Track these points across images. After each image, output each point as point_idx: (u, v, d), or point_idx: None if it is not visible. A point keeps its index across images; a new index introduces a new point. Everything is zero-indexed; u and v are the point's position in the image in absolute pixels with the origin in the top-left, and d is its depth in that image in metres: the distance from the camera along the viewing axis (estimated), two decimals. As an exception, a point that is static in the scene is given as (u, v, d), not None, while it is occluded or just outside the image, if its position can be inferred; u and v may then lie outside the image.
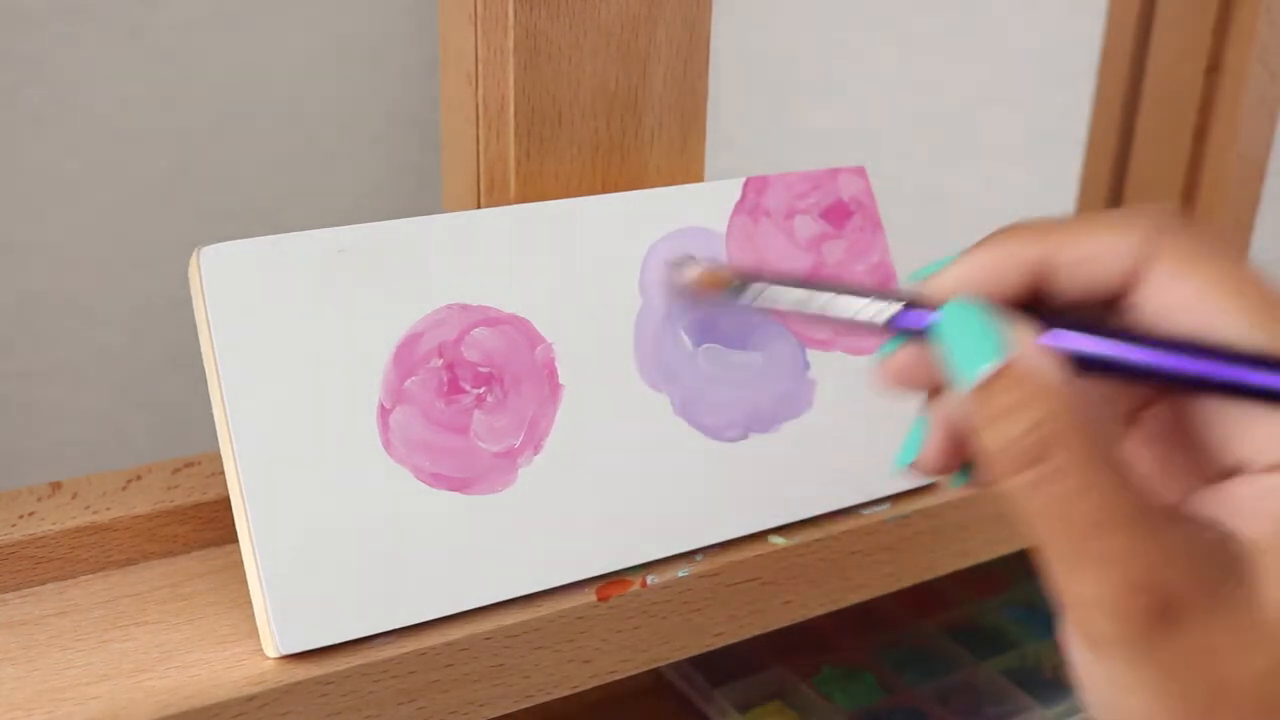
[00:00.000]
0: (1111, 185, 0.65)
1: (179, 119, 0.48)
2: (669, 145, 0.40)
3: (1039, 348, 0.27)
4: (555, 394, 0.36)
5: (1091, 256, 0.28)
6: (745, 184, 0.40)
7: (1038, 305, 0.28)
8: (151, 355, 0.50)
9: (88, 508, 0.36)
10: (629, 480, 0.36)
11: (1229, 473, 0.27)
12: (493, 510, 0.34)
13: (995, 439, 0.26)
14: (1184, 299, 0.27)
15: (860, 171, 0.42)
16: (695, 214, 0.39)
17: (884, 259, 0.42)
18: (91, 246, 0.48)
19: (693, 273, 0.37)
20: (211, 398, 0.32)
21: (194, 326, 0.33)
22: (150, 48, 0.46)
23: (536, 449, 0.35)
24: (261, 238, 0.33)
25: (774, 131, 0.64)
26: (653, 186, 0.40)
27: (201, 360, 0.32)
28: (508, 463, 0.35)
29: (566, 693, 0.36)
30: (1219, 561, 0.26)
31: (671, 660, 0.37)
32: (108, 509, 0.36)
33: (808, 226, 0.40)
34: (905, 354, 0.30)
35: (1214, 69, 0.59)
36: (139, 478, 0.38)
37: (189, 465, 0.39)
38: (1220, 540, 0.26)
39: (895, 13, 0.65)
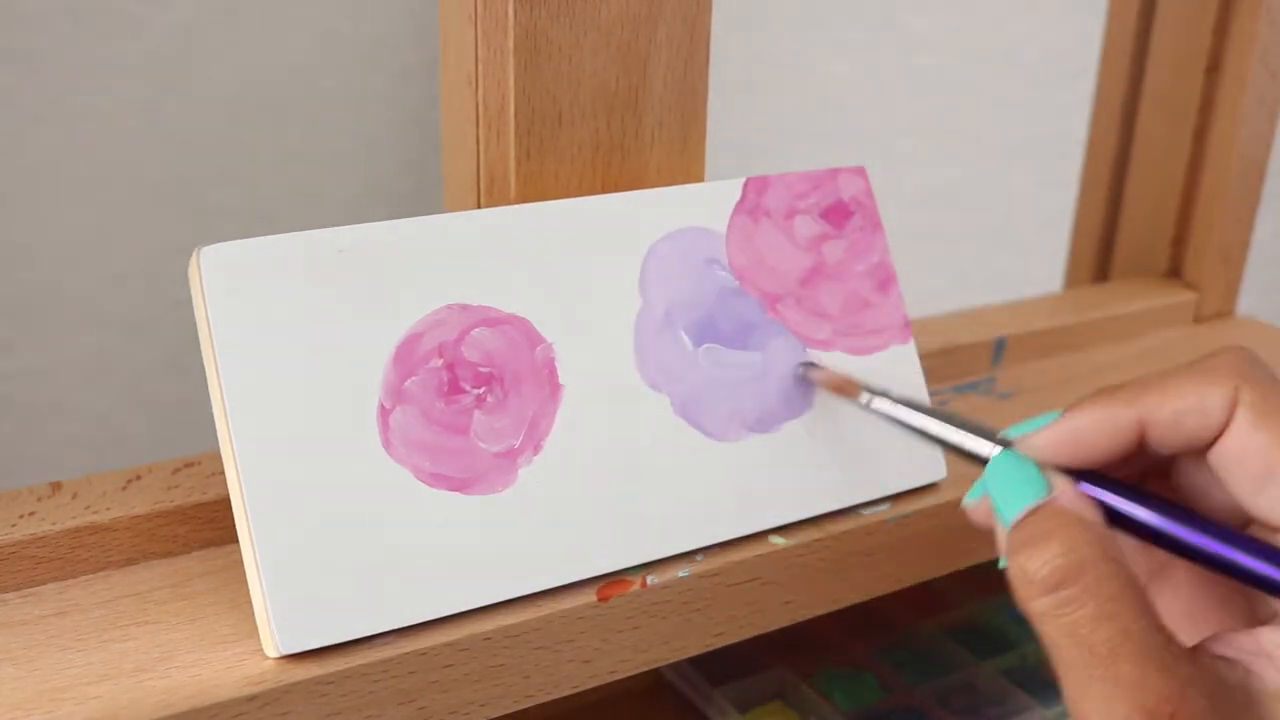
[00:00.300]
0: (1111, 185, 0.65)
1: (179, 119, 0.48)
2: (669, 145, 0.40)
3: (1077, 493, 0.29)
4: (555, 394, 0.36)
5: (1184, 411, 0.30)
6: (745, 184, 0.40)
7: (1132, 462, 0.31)
8: (151, 355, 0.50)
9: (88, 508, 0.36)
10: (629, 480, 0.36)
11: (1260, 620, 0.30)
12: (493, 510, 0.34)
13: (1022, 564, 0.28)
14: (1253, 450, 0.29)
15: (860, 171, 0.42)
16: (695, 214, 0.39)
17: (884, 259, 0.42)
18: (91, 246, 0.48)
19: (823, 377, 0.39)
20: (211, 398, 0.32)
21: (194, 326, 0.33)
22: (150, 48, 0.46)
23: (536, 449, 0.35)
24: (261, 238, 0.33)
25: (774, 131, 0.64)
26: (653, 186, 0.40)
27: (201, 360, 0.32)
28: (508, 463, 0.35)
29: (566, 693, 0.36)
30: (1236, 701, 0.27)
31: (671, 660, 0.37)
32: (108, 509, 0.36)
33: (808, 226, 0.41)
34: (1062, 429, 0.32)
35: (1214, 69, 0.59)
36: (139, 478, 0.38)
37: (189, 465, 0.39)
38: (1240, 681, 0.28)
39: (895, 13, 0.65)
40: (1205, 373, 0.30)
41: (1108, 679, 0.27)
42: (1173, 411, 0.30)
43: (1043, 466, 0.30)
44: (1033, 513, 0.29)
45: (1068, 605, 0.27)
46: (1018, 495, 0.30)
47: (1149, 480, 0.33)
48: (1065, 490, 0.29)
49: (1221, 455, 0.30)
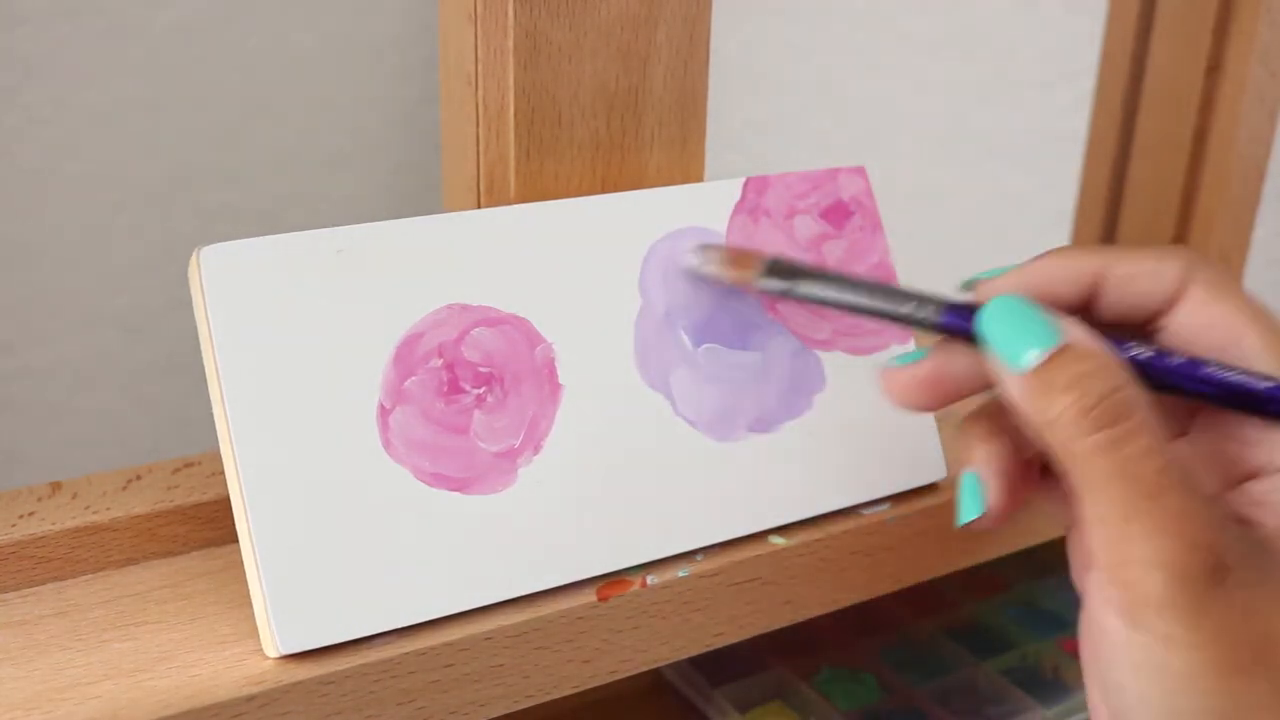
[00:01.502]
0: (1111, 185, 0.64)
1: (179, 119, 0.48)
2: (669, 145, 0.40)
3: (1090, 334, 0.30)
4: (555, 394, 0.36)
5: (1141, 273, 0.31)
6: (745, 184, 0.40)
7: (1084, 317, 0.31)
8: (151, 355, 0.50)
9: (88, 508, 0.36)
10: (629, 480, 0.36)
11: (1244, 477, 0.31)
12: (493, 510, 0.34)
13: (1068, 407, 0.28)
14: (1212, 321, 0.31)
15: (860, 171, 0.42)
16: (695, 214, 0.39)
17: (884, 259, 0.42)
18: (91, 246, 0.48)
19: (720, 254, 0.37)
20: (211, 398, 0.32)
21: (194, 326, 0.33)
22: (150, 48, 0.46)
23: (536, 449, 0.35)
24: (261, 238, 0.33)
25: (774, 131, 0.64)
26: (653, 186, 0.40)
27: (201, 360, 0.32)
28: (508, 463, 0.35)
29: (566, 693, 0.36)
30: (1251, 539, 0.29)
31: (671, 660, 0.37)
32: (108, 509, 0.36)
33: (808, 226, 0.41)
34: (920, 368, 0.33)
35: (1214, 69, 0.59)
36: (139, 478, 0.38)
37: (189, 465, 0.39)
38: (1245, 527, 0.30)
39: (895, 13, 0.65)
40: (1160, 250, 0.32)
41: (1155, 511, 0.27)
42: (1129, 271, 0.31)
43: (1042, 309, 0.30)
44: (1060, 353, 0.29)
45: (1124, 440, 0.28)
46: (1030, 337, 0.29)
47: None
48: (1081, 333, 0.30)
49: (1180, 328, 0.31)
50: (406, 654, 0.32)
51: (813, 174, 0.41)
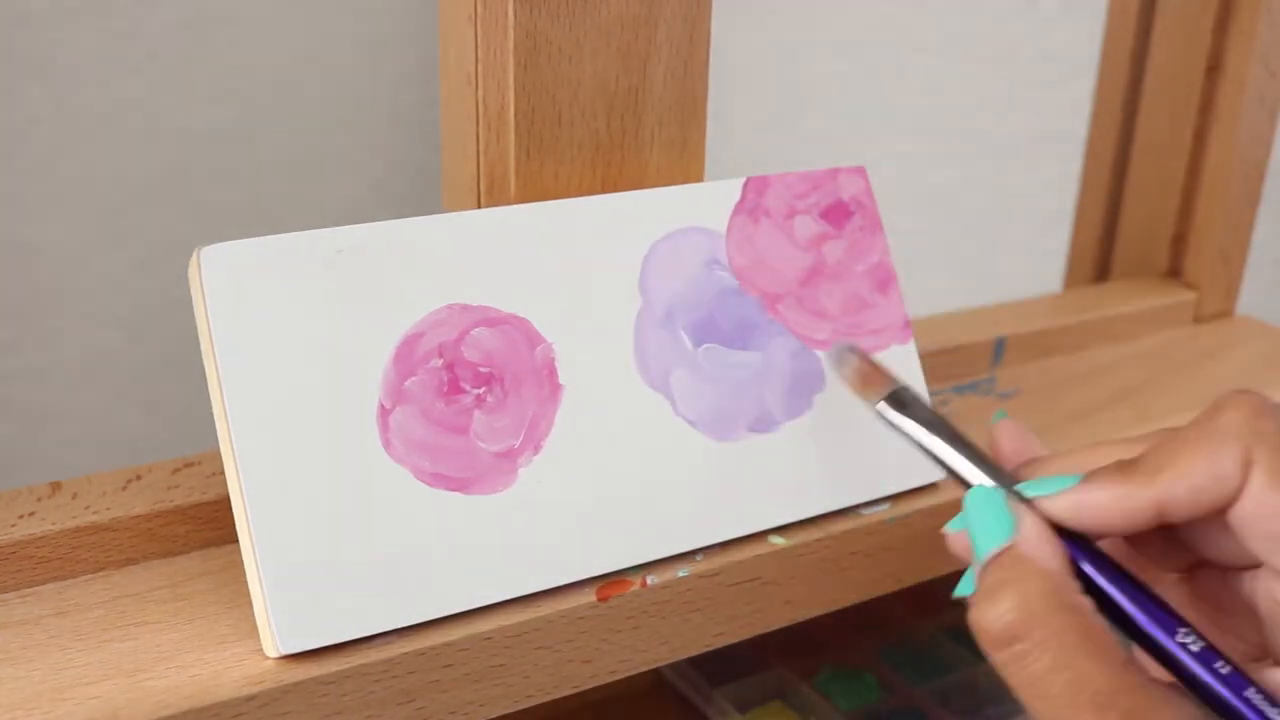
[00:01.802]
0: (1111, 185, 0.65)
1: (179, 119, 0.48)
2: (669, 145, 0.40)
3: (1040, 536, 0.30)
4: (555, 394, 0.36)
5: (1200, 487, 0.29)
6: (745, 184, 0.40)
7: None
8: (151, 355, 0.50)
9: (88, 508, 0.36)
10: (629, 480, 0.36)
11: (1267, 652, 0.30)
12: (493, 510, 0.34)
13: (981, 615, 0.29)
14: (1276, 510, 0.29)
15: (860, 171, 0.42)
16: (695, 214, 0.39)
17: (884, 259, 0.42)
18: (91, 246, 0.48)
19: (855, 366, 0.37)
20: (211, 398, 0.32)
21: (194, 326, 0.33)
22: (150, 48, 0.46)
23: (536, 449, 0.35)
24: (261, 238, 0.33)
25: (774, 131, 0.64)
26: (653, 186, 0.40)
27: (201, 360, 0.32)
28: (508, 463, 0.35)
29: (566, 693, 0.36)
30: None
31: (671, 660, 0.37)
32: (108, 509, 0.36)
33: (808, 226, 0.41)
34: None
35: (1214, 69, 0.59)
36: (139, 478, 0.38)
37: (189, 465, 0.39)
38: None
39: (895, 13, 0.66)
40: (1216, 437, 0.29)
41: None
42: (1188, 488, 0.29)
43: (1013, 503, 0.30)
44: (996, 558, 0.29)
45: (1023, 659, 0.28)
46: (988, 535, 0.30)
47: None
48: (1028, 533, 0.29)
49: (1239, 516, 0.29)
50: (406, 654, 0.32)
51: (813, 174, 0.41)
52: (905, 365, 0.41)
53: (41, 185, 0.46)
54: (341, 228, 0.34)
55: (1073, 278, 0.67)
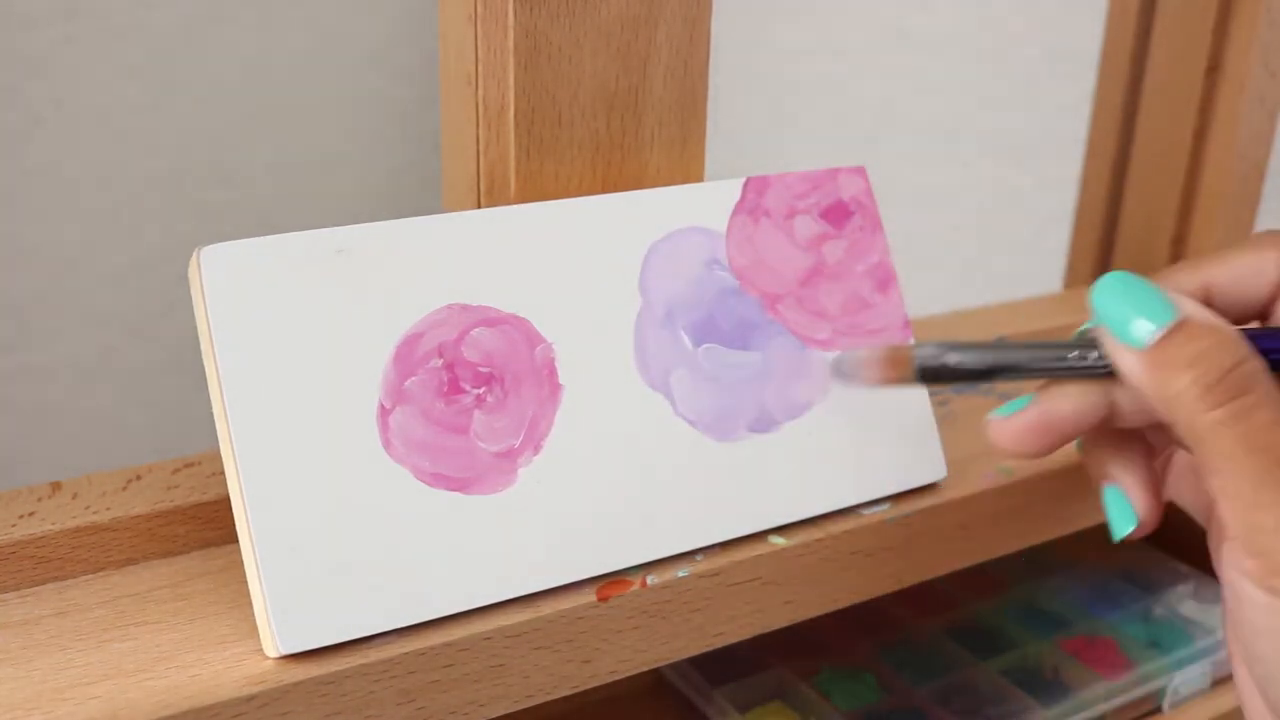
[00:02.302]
0: (1111, 185, 0.64)
1: (179, 119, 0.48)
2: (669, 145, 0.40)
3: (1209, 311, 0.31)
4: (555, 394, 0.36)
5: (1243, 275, 0.33)
6: (745, 184, 0.40)
7: None
8: (151, 355, 0.50)
9: (88, 508, 0.36)
10: (629, 480, 0.36)
11: None
12: (493, 510, 0.34)
13: (1193, 381, 0.29)
14: None
15: (860, 171, 0.42)
16: (695, 214, 0.39)
17: (884, 259, 0.42)
18: (91, 246, 0.48)
19: (870, 354, 0.36)
20: (211, 398, 0.32)
21: (194, 326, 0.33)
22: (150, 48, 0.46)
23: (536, 449, 0.35)
24: (261, 238, 0.33)
25: (774, 131, 0.64)
26: (653, 186, 0.40)
27: (201, 360, 0.32)
28: (508, 463, 0.35)
29: (566, 693, 0.36)
30: None
31: (671, 660, 0.37)
32: (108, 509, 0.36)
33: (808, 226, 0.41)
34: (1027, 415, 0.33)
35: (1214, 69, 0.59)
36: (139, 478, 0.38)
37: (189, 465, 0.39)
38: None
39: (895, 13, 0.66)
40: (1255, 244, 0.33)
41: None
42: (1231, 276, 0.33)
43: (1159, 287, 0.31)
44: (1178, 328, 0.30)
45: (1248, 413, 0.29)
46: (1147, 312, 0.30)
47: None
48: (1197, 309, 0.31)
49: None
50: (406, 654, 0.32)
51: (813, 174, 0.41)
52: (905, 365, 0.41)
53: (41, 185, 0.46)
54: (341, 228, 0.34)
55: (1073, 278, 0.67)
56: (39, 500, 0.37)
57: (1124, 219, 0.64)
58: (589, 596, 0.35)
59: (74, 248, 0.47)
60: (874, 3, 0.65)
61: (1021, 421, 0.33)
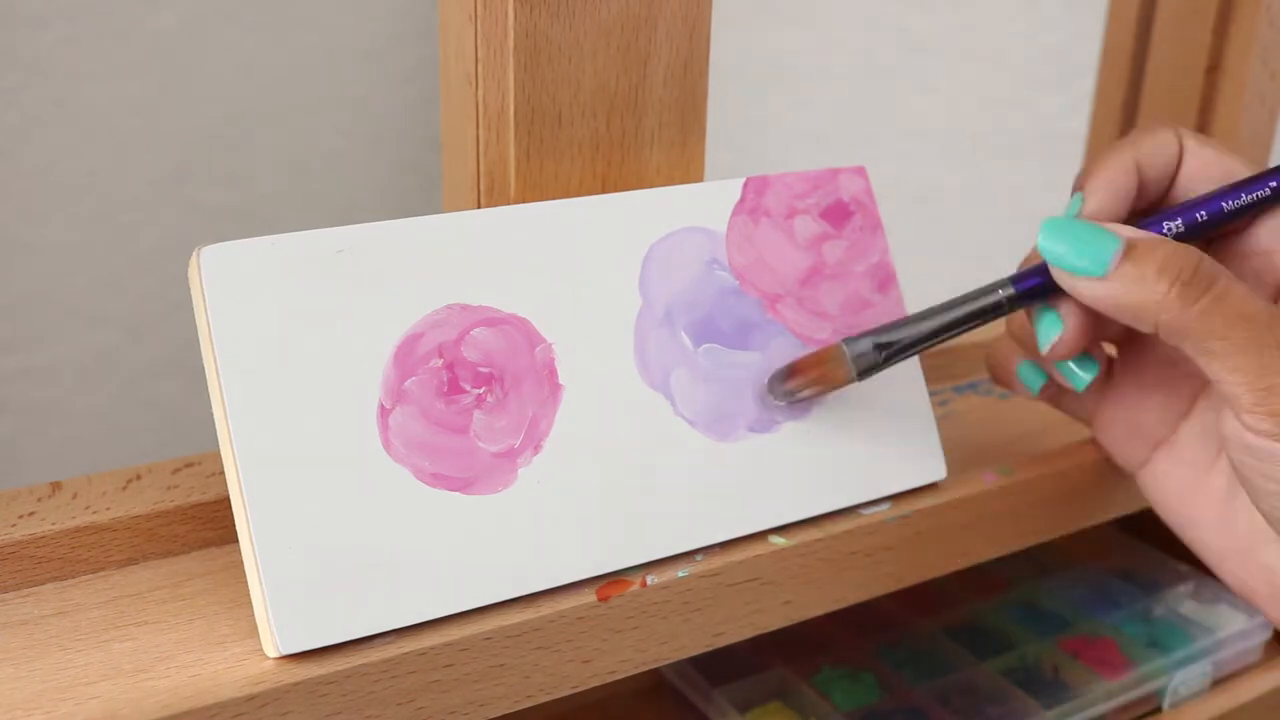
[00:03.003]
0: (1111, 185, 0.64)
1: (179, 119, 0.48)
2: (669, 145, 0.40)
3: (1142, 230, 0.35)
4: (555, 394, 0.36)
5: (1156, 147, 0.38)
6: (745, 184, 0.40)
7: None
8: (151, 355, 0.50)
9: (88, 508, 0.36)
10: (629, 480, 0.36)
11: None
12: (493, 510, 0.34)
13: (1163, 285, 0.33)
14: (1207, 160, 0.38)
15: (860, 171, 0.42)
16: (695, 214, 0.39)
17: (884, 259, 0.42)
18: (91, 246, 0.48)
19: (801, 361, 0.38)
20: (211, 398, 0.32)
21: (194, 326, 0.33)
22: (150, 48, 0.46)
23: (536, 449, 0.35)
24: (261, 238, 0.33)
25: (774, 131, 0.64)
26: (653, 186, 0.40)
27: (201, 360, 0.32)
28: (508, 463, 0.35)
29: (566, 693, 0.36)
30: None
31: (671, 660, 0.37)
32: (108, 509, 0.36)
33: (808, 226, 0.41)
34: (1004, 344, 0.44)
35: (1214, 69, 0.59)
36: (139, 478, 0.38)
37: (189, 465, 0.39)
38: None
39: (895, 13, 0.65)
40: (1151, 128, 0.39)
41: None
42: (1151, 147, 0.38)
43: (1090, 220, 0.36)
44: (1134, 248, 0.33)
45: (1225, 294, 0.32)
46: (1097, 245, 0.34)
47: None
48: (1134, 232, 0.34)
49: (1187, 178, 0.38)
50: (406, 654, 0.32)
51: (813, 174, 0.41)
52: (905, 365, 0.41)
53: (41, 185, 0.46)
54: (341, 228, 0.34)
55: (1073, 278, 0.67)
56: (39, 500, 0.37)
57: (1124, 219, 0.64)
58: (589, 596, 0.35)
59: (74, 248, 0.47)
60: (874, 3, 0.65)
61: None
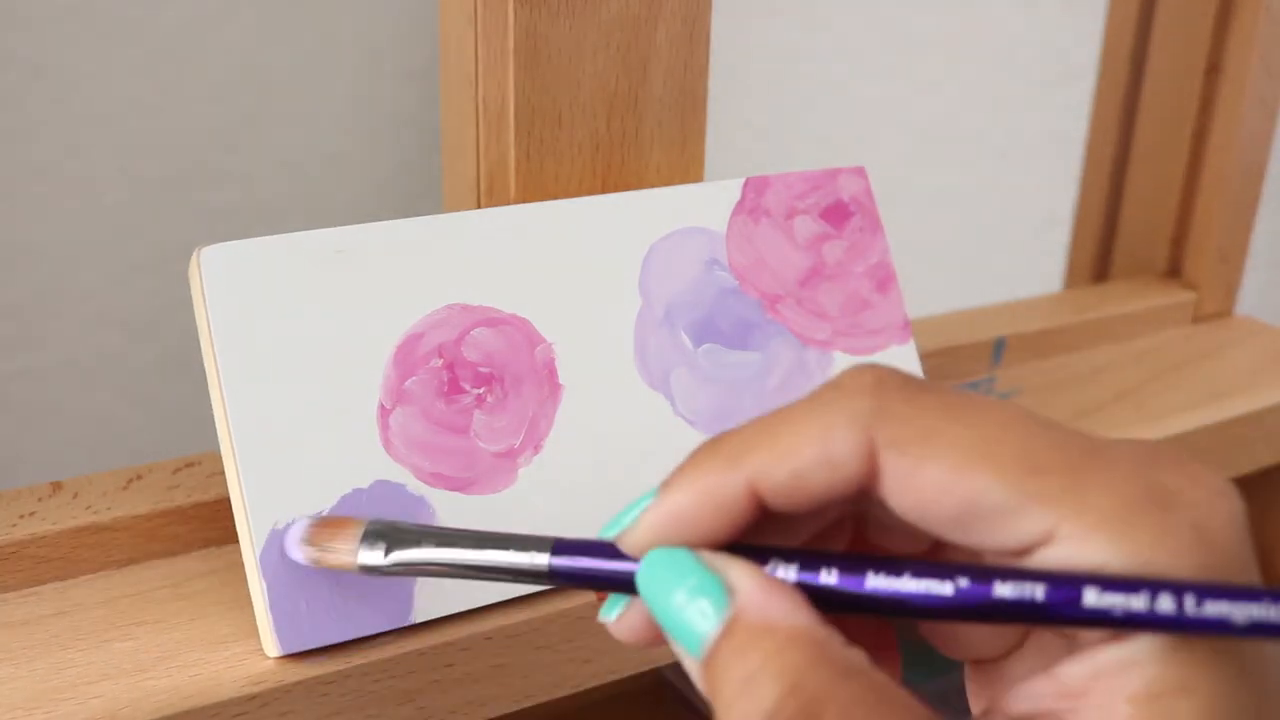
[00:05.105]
0: (1111, 186, 0.65)
1: (179, 119, 0.48)
2: (669, 145, 0.40)
3: (766, 592, 0.22)
4: (555, 394, 0.36)
5: (804, 470, 0.22)
6: (745, 184, 0.40)
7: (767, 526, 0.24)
8: (151, 355, 0.50)
9: (88, 508, 0.36)
10: (629, 480, 0.36)
11: (1054, 659, 0.23)
12: (493, 510, 0.34)
13: (750, 712, 0.21)
14: (935, 486, 0.22)
15: (860, 171, 0.42)
16: (695, 214, 0.39)
17: (884, 259, 0.42)
18: (91, 246, 0.48)
19: (307, 529, 0.31)
20: (211, 398, 0.32)
21: (194, 326, 0.33)
22: (150, 48, 0.46)
23: (536, 449, 0.35)
24: (261, 238, 0.33)
25: (774, 131, 0.64)
26: (653, 186, 0.40)
27: (201, 360, 0.32)
28: (508, 463, 0.35)
29: (566, 693, 0.36)
30: None
31: (671, 660, 0.37)
32: (108, 509, 0.36)
33: (808, 227, 0.41)
34: (637, 607, 0.25)
35: (1214, 69, 0.59)
36: (139, 478, 0.38)
37: (189, 465, 0.39)
38: None
39: (895, 13, 0.65)
40: (822, 412, 0.23)
41: None
42: (790, 471, 0.22)
43: (705, 557, 0.23)
44: (725, 635, 0.22)
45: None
46: (697, 613, 0.22)
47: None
48: (751, 594, 0.22)
49: (901, 501, 0.22)
50: (406, 654, 0.32)
51: (813, 174, 0.41)
52: (905, 365, 0.41)
53: (41, 185, 0.46)
54: (341, 228, 0.34)
55: (1072, 278, 0.67)
56: (39, 500, 0.37)
57: (1124, 219, 0.65)
58: (589, 596, 0.35)
59: (74, 248, 0.47)
60: (874, 3, 0.65)
61: (633, 617, 0.25)
